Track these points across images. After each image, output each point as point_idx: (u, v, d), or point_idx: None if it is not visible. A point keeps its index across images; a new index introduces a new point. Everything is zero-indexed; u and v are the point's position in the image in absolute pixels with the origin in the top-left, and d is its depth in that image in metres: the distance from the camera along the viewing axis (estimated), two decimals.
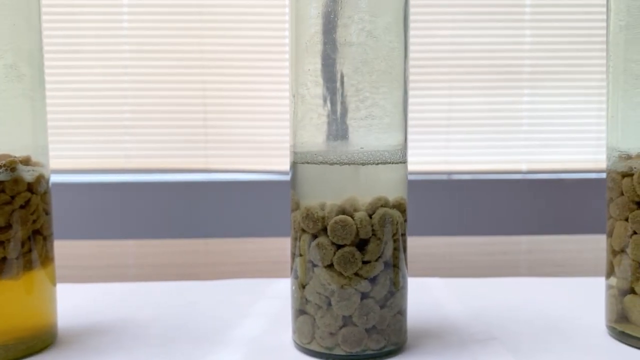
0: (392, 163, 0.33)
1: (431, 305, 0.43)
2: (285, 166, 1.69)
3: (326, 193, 0.33)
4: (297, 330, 0.34)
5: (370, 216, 0.33)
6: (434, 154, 1.82)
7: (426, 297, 0.45)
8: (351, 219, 0.32)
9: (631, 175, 0.34)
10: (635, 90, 0.34)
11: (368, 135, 0.33)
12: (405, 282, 0.35)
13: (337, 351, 0.33)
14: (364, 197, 0.33)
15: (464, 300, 0.44)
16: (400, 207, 0.34)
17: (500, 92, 1.79)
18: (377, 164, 0.33)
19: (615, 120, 0.35)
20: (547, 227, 1.70)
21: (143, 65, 1.77)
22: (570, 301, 0.43)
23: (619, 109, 0.35)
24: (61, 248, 0.63)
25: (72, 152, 1.77)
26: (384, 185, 0.34)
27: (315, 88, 0.33)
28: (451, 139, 1.81)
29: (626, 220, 0.34)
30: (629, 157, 0.34)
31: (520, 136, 1.78)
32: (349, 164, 0.33)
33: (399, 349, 0.34)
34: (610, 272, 0.36)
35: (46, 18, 1.74)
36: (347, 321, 0.33)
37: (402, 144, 0.34)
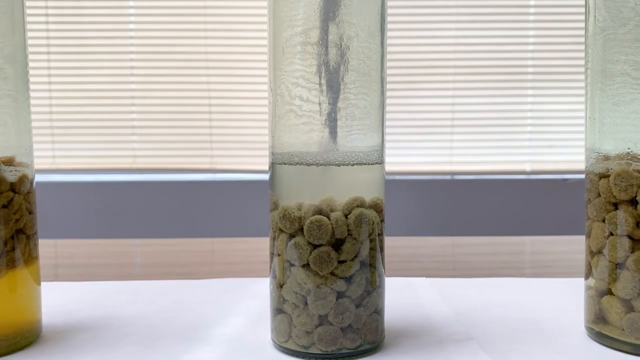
0: (369, 164, 0.34)
1: (413, 305, 0.43)
2: None
3: (304, 193, 0.34)
4: (275, 329, 0.35)
5: (346, 216, 0.33)
6: (437, 154, 1.81)
7: (410, 296, 0.45)
8: (327, 219, 0.33)
9: (608, 176, 0.34)
10: (612, 92, 0.34)
11: (344, 136, 0.33)
12: (382, 282, 0.35)
13: (313, 350, 0.33)
14: (342, 198, 0.33)
15: (447, 300, 0.44)
16: (377, 207, 0.34)
17: (504, 93, 1.78)
18: (353, 164, 0.33)
19: (593, 122, 0.35)
20: (550, 227, 1.69)
21: (149, 67, 1.78)
22: (552, 302, 0.43)
23: (596, 110, 0.35)
24: (62, 247, 0.64)
25: (79, 152, 1.79)
26: (361, 186, 0.34)
27: (292, 89, 0.33)
28: (455, 140, 1.81)
29: (603, 221, 0.34)
30: (606, 158, 0.34)
31: (524, 137, 1.78)
32: (325, 164, 0.33)
33: (375, 347, 0.34)
34: (588, 273, 0.36)
35: (53, 20, 1.75)
36: (323, 320, 0.33)
37: (378, 145, 0.34)
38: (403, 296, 0.45)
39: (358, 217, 0.33)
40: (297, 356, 0.33)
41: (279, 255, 0.34)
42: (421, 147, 1.81)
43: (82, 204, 1.76)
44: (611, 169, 0.34)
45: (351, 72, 0.33)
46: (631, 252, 0.33)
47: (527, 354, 0.33)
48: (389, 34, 1.85)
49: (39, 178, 1.77)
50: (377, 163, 0.34)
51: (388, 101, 1.80)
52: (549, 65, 1.75)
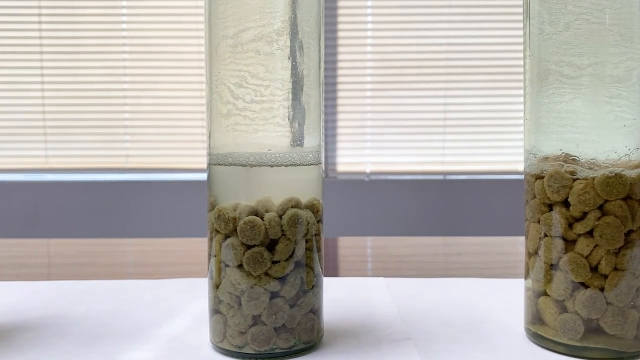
0: (303, 165, 0.34)
1: (362, 305, 0.43)
2: None
3: (240, 194, 0.34)
4: (212, 329, 0.35)
5: (280, 217, 0.33)
6: (430, 154, 1.81)
7: (362, 296, 0.45)
8: (260, 220, 0.33)
9: (542, 177, 0.34)
10: (547, 92, 0.34)
11: (276, 137, 0.33)
12: (319, 282, 0.35)
13: (247, 350, 0.33)
14: (279, 199, 0.34)
15: (398, 300, 0.44)
16: (313, 208, 0.34)
17: (496, 93, 1.78)
18: (287, 165, 0.33)
19: (529, 123, 0.35)
20: None
21: (142, 67, 1.78)
22: (501, 302, 0.43)
23: (533, 111, 0.35)
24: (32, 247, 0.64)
25: (71, 152, 1.79)
26: (297, 187, 0.34)
27: (226, 90, 0.33)
28: (447, 140, 1.81)
29: (538, 222, 0.34)
30: (544, 159, 0.34)
31: (516, 137, 1.78)
32: (258, 165, 0.33)
33: (310, 347, 0.34)
34: (527, 274, 0.36)
35: (46, 20, 1.76)
36: (256, 320, 0.33)
37: (314, 147, 0.35)
38: (355, 296, 0.45)
39: (292, 217, 0.33)
40: (231, 356, 0.34)
41: (215, 256, 0.34)
42: (413, 147, 1.81)
43: (74, 204, 1.77)
44: (545, 170, 0.34)
45: (284, 76, 0.33)
46: (564, 253, 0.33)
47: (460, 354, 0.34)
48: (380, 34, 1.85)
49: (31, 177, 1.78)
50: (312, 164, 0.35)
51: (380, 101, 1.80)
52: None
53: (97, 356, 0.34)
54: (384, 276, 0.51)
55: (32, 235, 1.71)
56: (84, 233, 1.74)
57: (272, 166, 0.33)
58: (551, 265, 0.34)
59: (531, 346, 0.35)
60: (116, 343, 0.36)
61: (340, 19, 1.80)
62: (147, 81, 1.78)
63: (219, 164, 0.34)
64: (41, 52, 1.77)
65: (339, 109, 1.81)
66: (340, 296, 0.45)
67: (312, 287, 0.34)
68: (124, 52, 1.78)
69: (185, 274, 0.53)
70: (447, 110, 1.80)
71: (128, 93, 1.79)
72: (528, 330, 0.36)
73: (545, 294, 0.34)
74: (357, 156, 1.82)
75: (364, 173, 1.82)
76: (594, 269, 0.33)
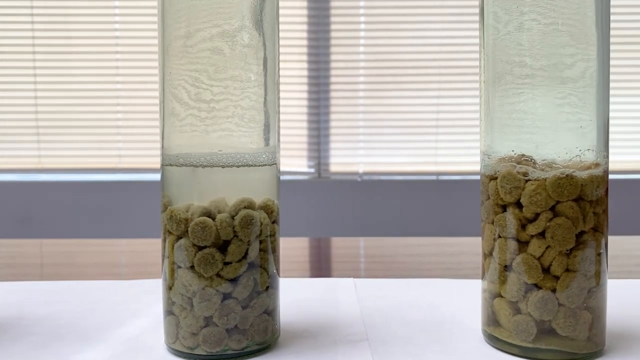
0: (256, 165, 0.34)
1: (326, 306, 0.43)
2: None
3: (193, 195, 0.34)
4: (165, 331, 0.35)
5: (232, 218, 0.33)
6: (422, 155, 1.81)
7: (327, 297, 0.45)
8: (211, 221, 0.33)
9: (496, 178, 0.34)
10: (500, 92, 0.34)
11: (228, 138, 0.33)
12: (274, 283, 0.35)
13: (199, 351, 0.33)
14: (233, 200, 0.33)
15: (364, 301, 0.44)
16: (267, 208, 0.34)
17: None
18: (239, 166, 0.33)
19: (484, 124, 0.35)
20: None
21: (135, 67, 1.78)
22: (466, 303, 0.43)
23: (487, 111, 0.35)
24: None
25: (64, 152, 1.80)
26: (251, 188, 0.34)
27: (177, 91, 0.33)
28: (440, 140, 1.81)
29: (492, 223, 0.34)
30: (497, 160, 0.34)
31: None
32: (210, 166, 0.33)
33: (264, 348, 0.34)
34: (483, 275, 0.36)
35: (39, 20, 1.76)
36: (208, 321, 0.33)
37: (268, 147, 0.34)
38: (321, 297, 0.45)
39: (244, 218, 0.33)
40: (183, 357, 0.34)
41: (167, 257, 0.34)
42: (406, 147, 1.81)
43: (67, 204, 1.77)
44: (498, 171, 0.34)
45: (233, 75, 0.33)
46: (517, 255, 0.33)
47: (414, 355, 0.33)
48: (372, 34, 1.84)
49: (24, 178, 1.78)
50: (266, 165, 0.34)
51: (373, 102, 1.80)
52: None
53: (50, 357, 0.33)
54: (366, 277, 0.51)
55: (25, 236, 1.71)
56: (77, 233, 1.74)
57: (223, 167, 0.33)
58: (505, 266, 0.34)
59: (487, 348, 0.35)
60: (73, 344, 0.36)
61: (333, 19, 1.80)
62: (140, 81, 1.78)
63: (171, 165, 0.34)
64: (34, 52, 1.77)
65: (332, 109, 1.81)
66: (306, 297, 0.45)
67: (266, 289, 0.34)
68: (117, 52, 1.78)
69: (154, 275, 0.53)
70: (439, 111, 1.80)
71: (121, 93, 1.79)
72: (485, 332, 0.36)
73: (500, 295, 0.34)
74: (350, 156, 1.82)
75: (356, 173, 1.82)
76: (546, 270, 0.32)
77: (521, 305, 0.33)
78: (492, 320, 0.35)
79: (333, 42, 1.80)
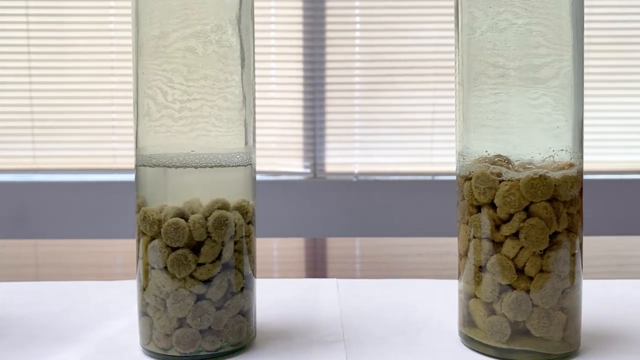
0: (230, 166, 0.34)
1: (305, 307, 0.43)
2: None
3: (166, 196, 0.34)
4: (140, 332, 0.35)
5: (206, 218, 0.33)
6: (418, 155, 1.81)
7: (308, 298, 0.45)
8: (184, 221, 0.33)
9: (470, 179, 0.34)
10: (475, 93, 0.34)
11: (202, 138, 0.33)
12: (250, 284, 0.35)
13: (172, 352, 0.33)
14: (208, 201, 0.33)
15: (344, 302, 0.44)
16: (242, 209, 0.34)
17: None
18: (212, 167, 0.33)
19: (459, 124, 0.35)
20: None
21: (130, 67, 1.78)
22: (445, 304, 0.43)
23: (462, 112, 0.35)
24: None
25: (59, 152, 1.79)
26: (225, 188, 0.34)
27: (150, 91, 0.33)
28: (435, 140, 1.81)
29: (467, 224, 0.34)
30: (472, 160, 0.34)
31: None
32: (182, 167, 0.33)
33: (238, 349, 0.34)
34: (459, 276, 0.36)
35: (34, 20, 1.76)
36: (181, 323, 0.33)
37: (242, 148, 0.34)
38: (302, 298, 0.45)
39: (217, 219, 0.33)
40: (157, 358, 0.33)
41: (141, 258, 0.34)
42: (402, 147, 1.81)
43: (62, 204, 1.76)
44: (472, 171, 0.34)
45: (205, 75, 0.33)
46: (491, 255, 0.33)
47: (388, 357, 0.33)
48: (368, 34, 1.84)
49: (19, 178, 1.78)
50: (240, 165, 0.34)
51: (369, 102, 1.80)
52: None
53: (23, 359, 0.33)
54: (364, 277, 0.51)
55: (20, 236, 1.71)
56: (72, 233, 1.74)
57: (196, 167, 0.33)
58: (480, 267, 0.34)
59: (462, 349, 0.35)
60: (46, 345, 0.35)
61: (328, 19, 1.79)
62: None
63: (144, 165, 0.34)
64: (29, 52, 1.77)
65: (327, 109, 1.81)
66: (286, 297, 0.45)
67: (241, 290, 0.34)
68: (112, 52, 1.78)
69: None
70: (435, 111, 1.80)
71: (116, 93, 1.79)
72: (461, 333, 0.36)
73: (475, 296, 0.34)
74: (345, 157, 1.82)
75: (352, 173, 1.82)
76: (520, 271, 0.32)
77: (496, 306, 0.33)
78: (467, 321, 0.35)
79: (328, 42, 1.80)
